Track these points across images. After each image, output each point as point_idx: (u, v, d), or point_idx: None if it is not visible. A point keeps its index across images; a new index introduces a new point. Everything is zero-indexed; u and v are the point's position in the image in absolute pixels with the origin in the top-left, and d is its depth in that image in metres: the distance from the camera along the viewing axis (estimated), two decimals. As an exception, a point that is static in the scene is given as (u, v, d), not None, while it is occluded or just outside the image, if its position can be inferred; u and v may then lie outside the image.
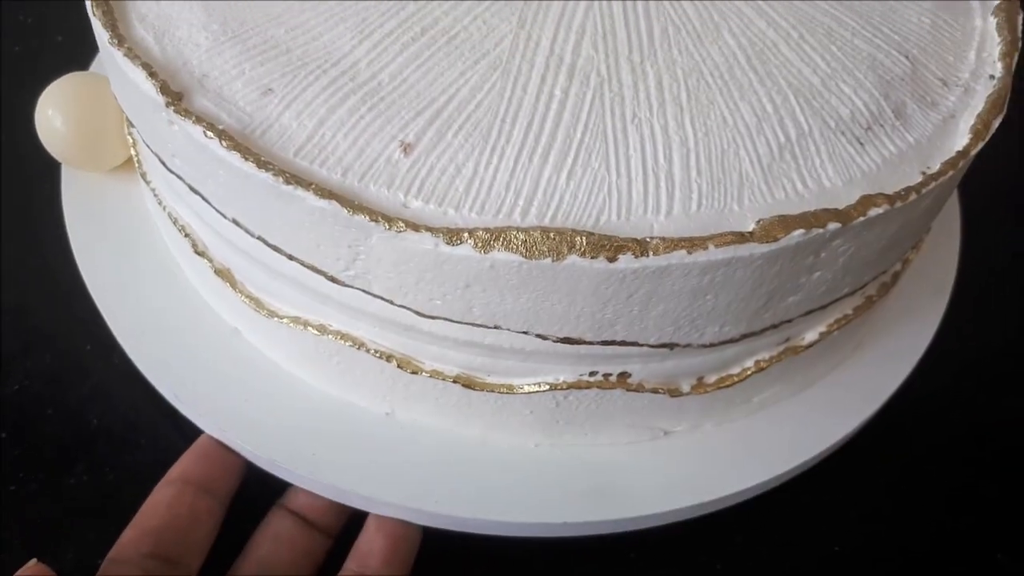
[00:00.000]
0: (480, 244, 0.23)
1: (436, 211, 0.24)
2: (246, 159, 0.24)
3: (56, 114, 0.35)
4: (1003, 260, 0.41)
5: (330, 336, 0.28)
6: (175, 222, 0.31)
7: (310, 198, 0.23)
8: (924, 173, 0.27)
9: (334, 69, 0.26)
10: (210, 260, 0.30)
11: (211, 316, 0.33)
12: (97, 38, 0.27)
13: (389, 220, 0.23)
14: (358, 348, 0.28)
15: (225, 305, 0.32)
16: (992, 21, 0.31)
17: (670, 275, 0.24)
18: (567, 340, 0.26)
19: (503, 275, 0.24)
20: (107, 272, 0.33)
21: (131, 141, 0.33)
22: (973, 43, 0.31)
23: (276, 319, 0.29)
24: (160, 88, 0.25)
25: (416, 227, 0.23)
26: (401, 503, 0.29)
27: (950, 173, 0.27)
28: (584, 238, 0.23)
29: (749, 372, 0.30)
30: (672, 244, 0.23)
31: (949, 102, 0.29)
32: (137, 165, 0.33)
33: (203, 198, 0.27)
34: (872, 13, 0.30)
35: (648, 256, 0.23)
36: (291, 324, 0.29)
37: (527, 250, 0.23)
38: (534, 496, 0.29)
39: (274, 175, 0.24)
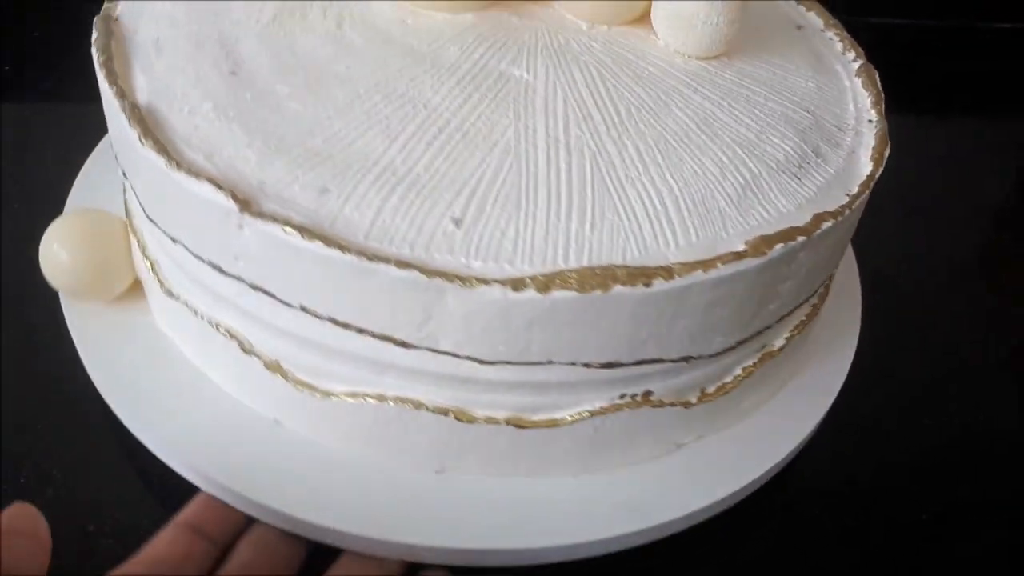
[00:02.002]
0: (541, 287, 0.28)
1: (495, 267, 0.28)
2: (329, 246, 0.28)
3: (61, 249, 0.37)
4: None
5: (389, 402, 0.32)
6: (216, 327, 0.33)
7: (392, 270, 0.27)
8: (848, 194, 0.34)
9: (376, 167, 0.31)
10: (259, 356, 0.33)
11: (247, 412, 0.35)
12: (147, 166, 0.30)
13: (462, 279, 0.28)
14: (416, 408, 0.32)
15: (266, 399, 0.34)
16: (857, 81, 0.40)
17: (691, 293, 0.29)
18: (608, 365, 0.30)
19: (560, 311, 0.28)
20: (131, 391, 0.35)
21: (148, 264, 0.36)
22: (848, 98, 0.39)
23: (333, 398, 0.32)
24: (232, 196, 0.28)
25: (487, 281, 0.28)
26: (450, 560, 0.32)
27: (866, 193, 0.34)
28: (623, 271, 0.28)
29: (740, 379, 0.35)
30: (690, 267, 0.29)
31: (847, 142, 0.37)
32: (158, 284, 0.35)
33: (266, 293, 0.30)
34: (773, 82, 0.38)
35: (674, 279, 0.29)
36: (349, 399, 0.32)
37: (580, 286, 0.28)
38: (573, 522, 0.33)
39: (356, 256, 0.27)
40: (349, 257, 0.27)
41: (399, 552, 0.32)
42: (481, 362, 0.30)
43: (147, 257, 0.36)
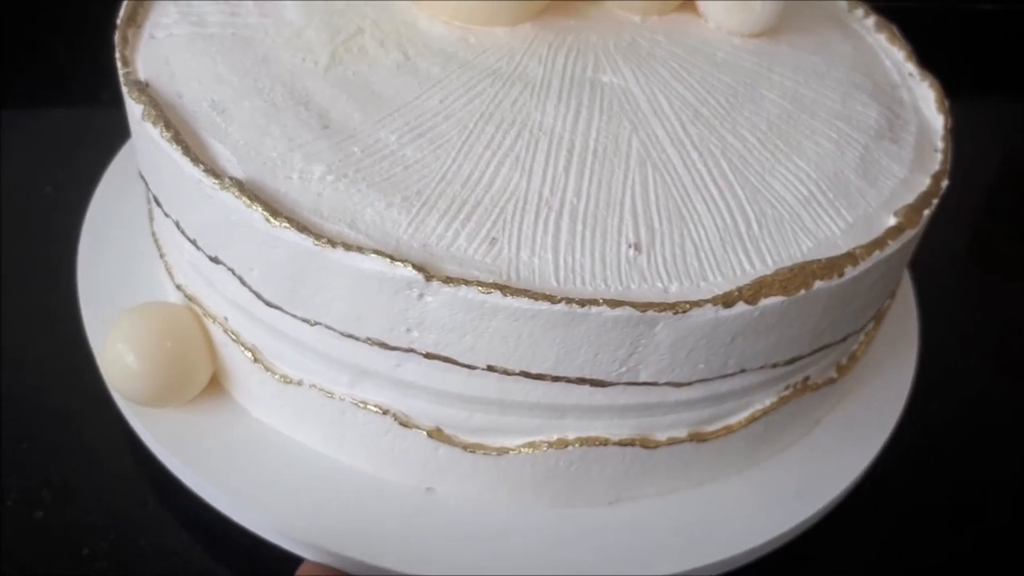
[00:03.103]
0: (750, 298, 0.27)
1: (692, 287, 0.27)
2: (536, 300, 0.25)
3: (128, 351, 0.32)
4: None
5: (573, 446, 0.30)
6: (361, 405, 0.30)
7: (604, 311, 0.26)
8: (937, 150, 0.35)
9: (529, 205, 0.29)
10: (417, 427, 0.30)
11: (392, 489, 0.32)
12: (276, 249, 0.27)
13: (673, 306, 0.26)
14: (603, 445, 0.30)
15: (419, 470, 0.32)
16: (880, 37, 0.41)
17: (870, 274, 0.29)
18: (791, 360, 0.30)
19: (767, 318, 0.28)
20: (250, 493, 0.31)
21: (247, 353, 0.32)
22: (879, 55, 0.41)
23: (510, 454, 0.30)
24: (413, 266, 0.26)
25: (699, 304, 0.26)
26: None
27: (950, 143, 0.35)
28: (817, 265, 0.28)
29: (864, 345, 0.36)
30: (869, 249, 0.29)
31: (905, 97, 0.38)
32: (264, 373, 0.32)
33: (444, 359, 0.28)
34: (821, 50, 0.38)
35: (859, 264, 0.29)
36: (527, 450, 0.30)
37: (784, 289, 0.27)
38: (752, 522, 0.33)
39: (566, 304, 0.26)
40: (559, 307, 0.26)
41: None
42: (677, 385, 0.29)
43: (242, 345, 0.32)
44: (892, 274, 0.31)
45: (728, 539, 0.32)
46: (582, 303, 0.26)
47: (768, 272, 0.28)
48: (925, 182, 0.33)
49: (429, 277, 0.26)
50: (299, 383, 0.31)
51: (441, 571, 0.30)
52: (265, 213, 0.27)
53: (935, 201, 0.32)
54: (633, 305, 0.26)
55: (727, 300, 0.27)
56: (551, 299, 0.26)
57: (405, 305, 0.26)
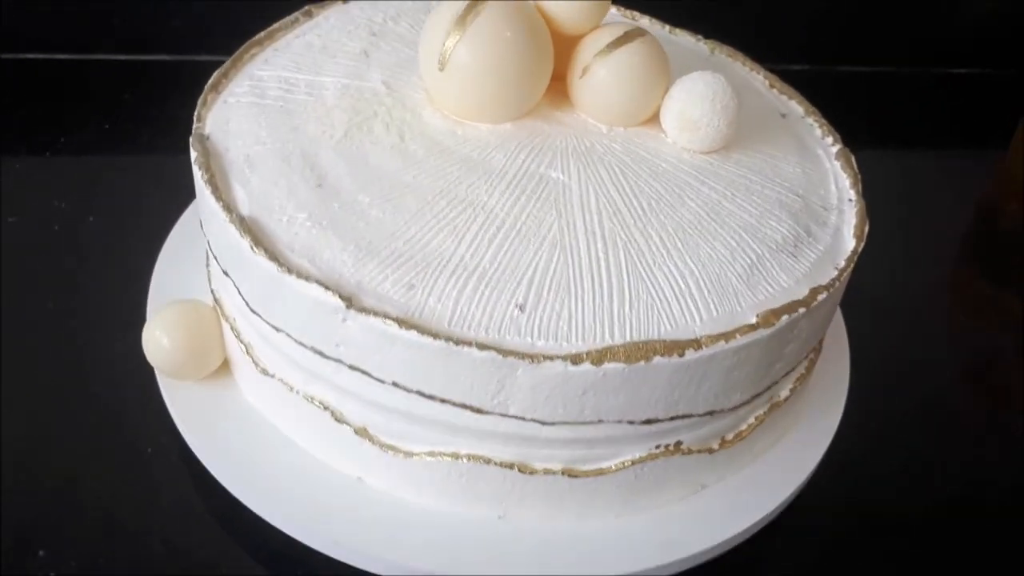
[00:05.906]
0: (595, 360, 0.34)
1: (555, 345, 0.35)
2: (423, 334, 0.34)
3: (163, 335, 0.42)
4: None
5: (463, 460, 0.38)
6: (310, 400, 0.39)
7: (474, 352, 0.34)
8: (836, 268, 0.41)
9: (449, 264, 0.37)
10: (349, 424, 0.39)
11: (332, 473, 0.40)
12: (256, 270, 0.37)
13: (531, 356, 0.34)
14: (486, 463, 0.38)
15: (351, 460, 0.40)
16: (836, 164, 0.47)
17: (715, 360, 0.35)
18: (647, 422, 0.37)
19: (611, 379, 0.34)
20: (228, 456, 0.40)
21: (242, 347, 0.42)
22: (830, 180, 0.46)
23: (414, 457, 0.38)
24: (339, 295, 0.34)
25: (551, 358, 0.34)
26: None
27: (851, 266, 0.41)
28: (661, 344, 0.35)
29: (753, 427, 0.41)
30: (714, 339, 0.35)
31: (832, 220, 0.43)
32: (251, 364, 0.41)
33: (362, 372, 0.36)
34: (766, 170, 0.45)
35: (702, 349, 0.35)
36: (428, 457, 0.38)
37: (627, 358, 0.34)
38: (616, 557, 0.39)
39: (445, 341, 0.34)
40: (439, 343, 0.34)
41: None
42: (543, 423, 0.36)
43: (240, 340, 0.42)
44: (749, 366, 0.37)
45: (591, 564, 0.38)
46: (457, 342, 0.34)
47: (620, 343, 0.35)
48: (803, 292, 0.38)
49: (349, 305, 0.34)
50: (272, 376, 0.40)
51: (361, 546, 0.38)
52: (250, 242, 0.36)
53: (801, 310, 0.37)
54: (498, 350, 0.34)
55: (576, 359, 0.34)
56: (435, 335, 0.34)
57: (334, 325, 0.35)
